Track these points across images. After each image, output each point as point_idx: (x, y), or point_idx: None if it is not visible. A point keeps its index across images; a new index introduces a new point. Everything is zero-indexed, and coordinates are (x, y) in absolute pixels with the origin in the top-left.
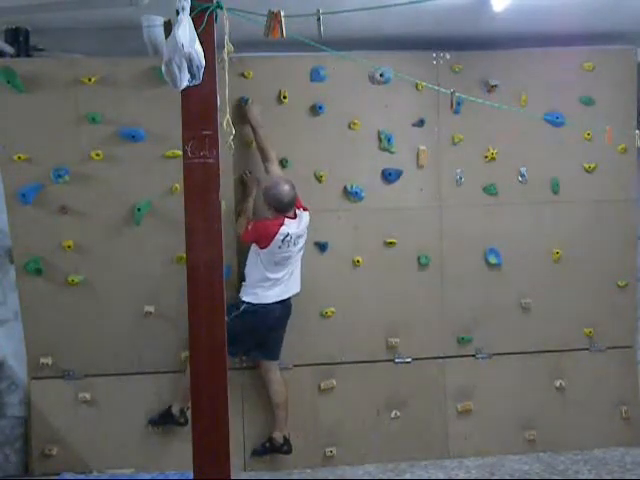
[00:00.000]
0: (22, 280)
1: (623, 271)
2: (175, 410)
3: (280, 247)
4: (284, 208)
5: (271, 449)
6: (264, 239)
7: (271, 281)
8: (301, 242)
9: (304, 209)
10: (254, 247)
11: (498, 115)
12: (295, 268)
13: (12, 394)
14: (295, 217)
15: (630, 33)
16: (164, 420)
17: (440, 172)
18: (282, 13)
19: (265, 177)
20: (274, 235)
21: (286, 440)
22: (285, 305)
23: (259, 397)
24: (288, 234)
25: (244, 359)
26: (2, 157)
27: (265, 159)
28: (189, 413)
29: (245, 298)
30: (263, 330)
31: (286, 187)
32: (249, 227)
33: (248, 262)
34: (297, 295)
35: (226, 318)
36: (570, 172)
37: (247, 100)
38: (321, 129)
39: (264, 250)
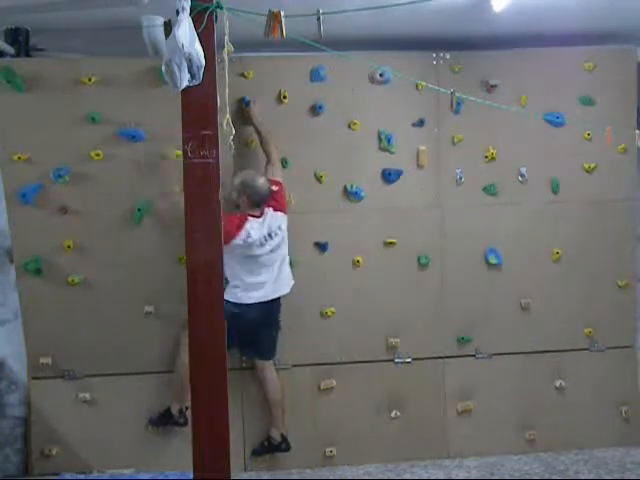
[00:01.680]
0: (22, 280)
1: (623, 271)
2: (174, 410)
3: (242, 247)
4: (259, 200)
5: (269, 448)
6: (226, 234)
7: (247, 282)
8: (273, 244)
9: (276, 209)
10: None
11: (498, 115)
12: (279, 270)
13: (12, 394)
14: (260, 216)
15: (630, 33)
16: (164, 420)
17: (440, 172)
18: (282, 13)
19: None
20: (235, 234)
21: (284, 438)
22: (268, 306)
23: (259, 397)
24: (250, 235)
25: (244, 359)
26: (2, 157)
27: (267, 161)
28: (188, 413)
29: (225, 296)
30: (246, 330)
31: (262, 180)
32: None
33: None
34: (287, 295)
35: None
36: (570, 172)
37: (249, 102)
38: (321, 129)
39: (231, 243)
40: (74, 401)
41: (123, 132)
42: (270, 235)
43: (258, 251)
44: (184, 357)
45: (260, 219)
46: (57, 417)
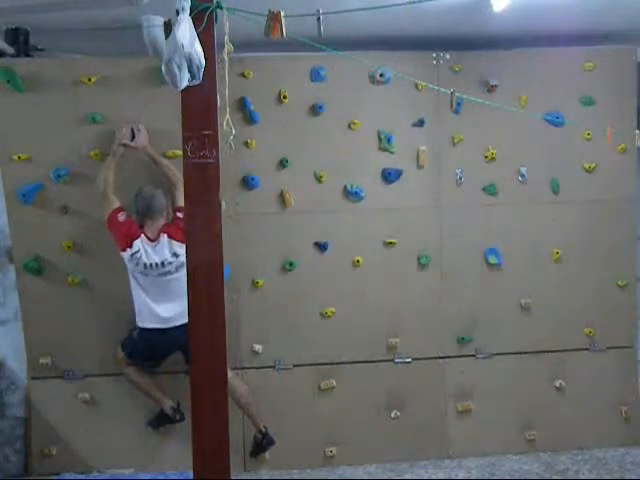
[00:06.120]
0: (22, 280)
1: (623, 271)
2: (167, 410)
3: (130, 260)
4: (146, 210)
5: (257, 447)
6: (124, 236)
7: (150, 307)
8: (164, 270)
9: (172, 236)
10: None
11: (498, 115)
12: (177, 295)
13: (12, 394)
14: (154, 240)
15: (630, 33)
16: (161, 421)
17: (440, 172)
18: (282, 13)
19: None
20: (125, 246)
21: (264, 434)
22: (181, 332)
23: (258, 398)
24: (139, 251)
25: (244, 359)
26: (2, 157)
27: (173, 187)
28: (182, 408)
29: (137, 319)
30: (166, 352)
31: (152, 190)
32: (120, 214)
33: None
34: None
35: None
36: (570, 172)
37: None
38: (321, 129)
39: (123, 254)
40: (74, 401)
41: None
42: (163, 263)
43: (152, 272)
44: (126, 370)
45: (153, 244)
46: (57, 417)
